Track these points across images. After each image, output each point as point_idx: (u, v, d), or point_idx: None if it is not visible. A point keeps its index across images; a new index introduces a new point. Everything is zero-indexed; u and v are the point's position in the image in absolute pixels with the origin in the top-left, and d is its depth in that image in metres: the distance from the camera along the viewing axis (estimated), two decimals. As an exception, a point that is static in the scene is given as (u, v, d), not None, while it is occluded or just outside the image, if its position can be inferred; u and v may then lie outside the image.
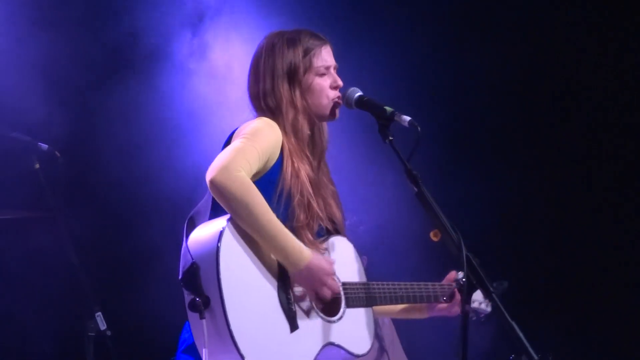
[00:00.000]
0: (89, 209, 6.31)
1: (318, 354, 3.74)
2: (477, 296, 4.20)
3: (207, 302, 3.53)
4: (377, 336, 3.99)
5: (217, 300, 3.52)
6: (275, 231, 3.65)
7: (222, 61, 6.53)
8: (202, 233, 3.67)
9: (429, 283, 4.16)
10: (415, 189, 3.60)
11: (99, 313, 5.68)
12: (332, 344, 3.79)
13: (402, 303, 4.13)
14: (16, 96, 6.12)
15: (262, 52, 3.97)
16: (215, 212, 3.74)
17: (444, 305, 4.19)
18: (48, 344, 6.22)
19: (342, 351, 3.84)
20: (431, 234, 3.61)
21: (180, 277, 3.62)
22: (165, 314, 5.67)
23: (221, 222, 3.64)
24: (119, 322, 5.92)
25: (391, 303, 4.05)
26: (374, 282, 3.99)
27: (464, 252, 3.44)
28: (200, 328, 3.54)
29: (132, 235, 6.31)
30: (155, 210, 6.31)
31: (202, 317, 3.52)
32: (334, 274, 3.78)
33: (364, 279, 3.99)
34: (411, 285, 4.10)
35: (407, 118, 3.68)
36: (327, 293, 3.74)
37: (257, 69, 3.97)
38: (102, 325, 5.68)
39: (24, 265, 6.12)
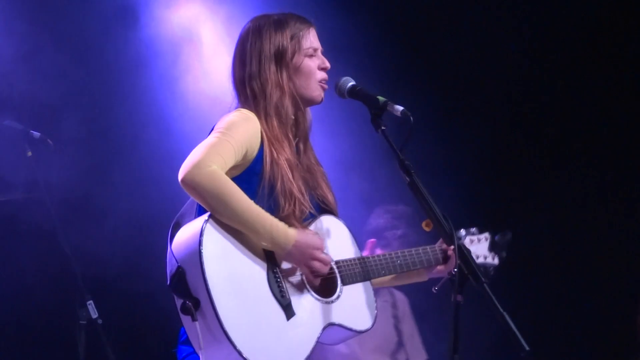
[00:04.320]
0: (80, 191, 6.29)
1: (319, 337, 3.73)
2: (481, 250, 4.25)
3: (197, 304, 3.52)
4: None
5: (206, 300, 3.50)
6: (255, 216, 3.62)
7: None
8: (184, 235, 3.65)
9: (427, 247, 4.12)
10: (408, 179, 3.58)
11: (91, 301, 5.68)
12: (332, 324, 3.78)
13: (400, 272, 4.07)
14: (8, 85, 6.11)
15: (248, 35, 3.92)
16: (201, 213, 3.71)
17: (442, 267, 4.15)
18: (38, 331, 6.21)
19: (345, 329, 3.83)
20: (423, 224, 3.61)
21: (168, 283, 3.61)
22: (162, 304, 5.65)
23: (200, 221, 3.61)
24: (112, 311, 5.91)
25: (389, 273, 4.01)
26: (369, 256, 3.98)
27: (456, 242, 3.43)
28: (194, 331, 3.53)
29: (128, 222, 6.28)
30: (149, 196, 6.30)
31: (194, 320, 3.51)
32: (323, 247, 3.75)
33: (358, 254, 3.98)
34: (409, 251, 4.07)
35: (400, 108, 3.66)
36: (320, 267, 3.72)
37: (242, 52, 3.91)
38: (94, 314, 5.68)
39: (15, 251, 6.10)
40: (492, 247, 4.28)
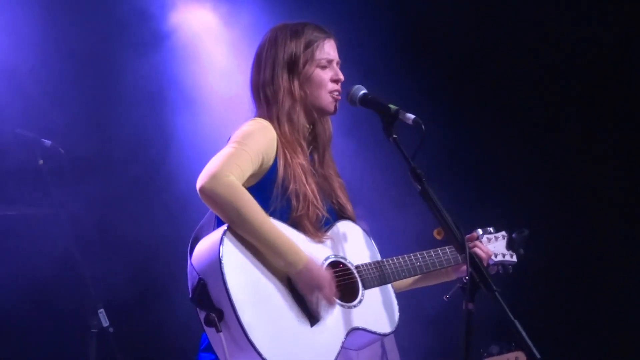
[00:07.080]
0: (93, 204, 6.30)
1: (344, 341, 3.75)
2: (499, 248, 4.27)
3: (220, 315, 3.52)
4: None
5: (229, 311, 3.50)
6: (269, 233, 3.62)
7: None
8: (203, 247, 3.66)
9: (447, 247, 4.08)
10: (419, 187, 3.58)
11: (102, 310, 5.69)
12: (356, 328, 3.79)
13: (420, 273, 4.06)
14: (23, 96, 6.13)
15: (265, 44, 3.98)
16: (219, 225, 3.71)
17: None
18: (50, 339, 6.22)
19: (368, 333, 3.84)
20: (435, 232, 3.61)
21: (190, 296, 3.61)
22: (175, 312, 5.67)
23: (219, 232, 3.62)
24: (126, 321, 5.93)
25: (409, 275, 4.02)
26: (388, 259, 3.97)
27: (467, 250, 3.43)
28: (219, 342, 3.53)
29: (138, 230, 6.29)
30: (161, 204, 6.31)
31: (218, 331, 3.51)
32: (332, 284, 3.72)
33: (377, 258, 3.98)
34: (427, 252, 4.06)
35: (412, 116, 3.66)
36: (330, 294, 3.69)
37: (259, 60, 3.98)
38: (105, 322, 5.69)
39: (28, 262, 6.12)
40: (510, 245, 4.31)
